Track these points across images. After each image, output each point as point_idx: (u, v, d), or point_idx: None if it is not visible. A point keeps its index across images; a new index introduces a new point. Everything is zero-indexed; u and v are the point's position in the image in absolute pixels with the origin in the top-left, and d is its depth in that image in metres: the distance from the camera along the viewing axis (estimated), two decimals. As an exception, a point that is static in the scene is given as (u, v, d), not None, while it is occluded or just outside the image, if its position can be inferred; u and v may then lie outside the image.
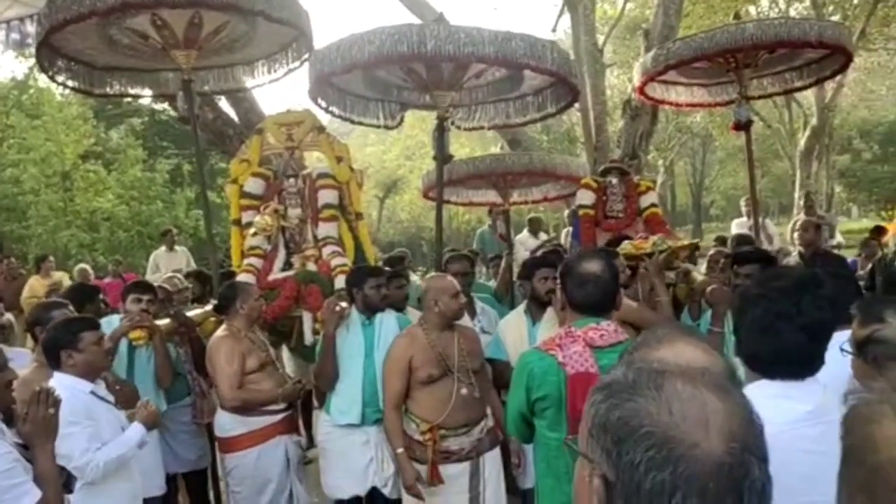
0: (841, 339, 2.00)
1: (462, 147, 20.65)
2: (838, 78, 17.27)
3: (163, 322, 4.62)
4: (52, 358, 3.12)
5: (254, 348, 4.30)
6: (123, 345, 4.32)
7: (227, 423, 4.23)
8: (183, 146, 18.94)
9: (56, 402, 2.47)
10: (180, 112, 5.99)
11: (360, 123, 6.85)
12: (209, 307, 5.24)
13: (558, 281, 2.77)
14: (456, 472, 3.82)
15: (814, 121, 19.01)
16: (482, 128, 7.10)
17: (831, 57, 6.35)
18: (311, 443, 7.03)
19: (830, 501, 1.66)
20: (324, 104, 6.24)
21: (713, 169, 40.36)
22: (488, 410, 3.99)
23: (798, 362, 1.77)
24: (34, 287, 9.60)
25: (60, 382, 2.90)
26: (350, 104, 6.50)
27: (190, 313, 5.04)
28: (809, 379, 1.77)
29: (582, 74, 11.25)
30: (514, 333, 4.24)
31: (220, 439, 4.32)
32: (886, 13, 18.38)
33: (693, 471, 0.80)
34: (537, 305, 4.31)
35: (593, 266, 2.65)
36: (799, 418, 1.69)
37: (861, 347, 1.87)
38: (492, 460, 3.93)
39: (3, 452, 2.29)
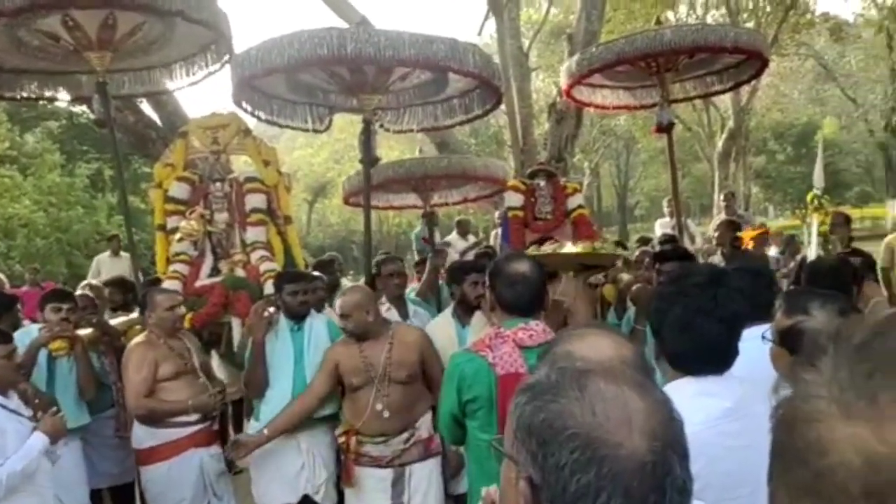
0: (755, 334, 2.08)
1: (391, 150, 20.64)
2: (753, 82, 18.03)
3: (85, 331, 4.48)
4: None
5: (171, 356, 4.15)
6: (43, 356, 4.17)
7: (139, 435, 4.10)
8: (103, 150, 18.31)
9: None
10: (96, 115, 5.78)
11: (288, 127, 6.79)
12: (135, 315, 5.10)
13: (487, 282, 2.80)
14: (377, 477, 3.83)
15: (731, 123, 19.73)
16: (410, 130, 7.13)
17: (747, 62, 6.61)
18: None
19: (758, 494, 1.73)
20: (249, 108, 6.15)
21: (637, 171, 41.40)
22: (422, 421, 3.92)
23: (718, 356, 1.83)
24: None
25: None
26: (277, 108, 6.42)
27: (114, 321, 4.90)
28: (727, 374, 1.83)
29: (508, 78, 11.38)
30: (442, 337, 4.25)
31: (136, 451, 4.17)
32: (797, 20, 19.25)
33: (617, 471, 0.82)
34: (465, 309, 4.34)
35: (522, 266, 2.70)
36: (720, 415, 1.74)
37: (784, 337, 1.94)
38: (420, 471, 3.88)
39: None
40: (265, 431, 3.90)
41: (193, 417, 4.12)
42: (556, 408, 0.87)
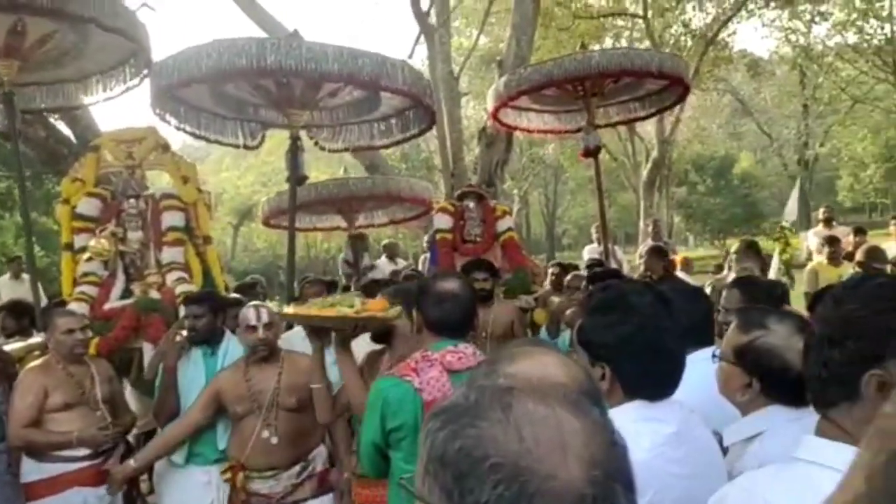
0: (699, 357, 1.98)
1: (319, 171, 20.35)
2: (676, 113, 18.59)
3: (15, 346, 4.13)
4: None
5: (66, 383, 3.79)
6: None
7: (26, 468, 3.75)
8: (12, 167, 17.49)
9: None
10: (0, 127, 5.45)
11: (217, 142, 6.61)
12: (34, 340, 4.74)
13: (415, 310, 2.62)
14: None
15: (655, 153, 20.27)
16: (346, 150, 6.99)
17: (670, 88, 6.74)
18: (151, 489, 6.53)
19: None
20: (173, 121, 5.92)
21: (565, 199, 42.18)
22: (316, 453, 3.64)
23: (674, 377, 1.72)
24: None
25: None
26: (205, 122, 6.23)
27: (8, 347, 4.52)
28: (670, 398, 1.72)
29: (439, 101, 11.36)
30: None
31: (22, 485, 3.79)
32: (716, 55, 19.98)
33: None
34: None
35: (451, 284, 2.55)
36: (664, 441, 1.63)
37: (740, 355, 1.85)
38: None
39: None
40: (131, 462, 3.69)
41: (81, 452, 3.76)
42: (474, 433, 0.72)
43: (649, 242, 8.86)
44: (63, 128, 10.11)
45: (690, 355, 1.85)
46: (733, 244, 8.83)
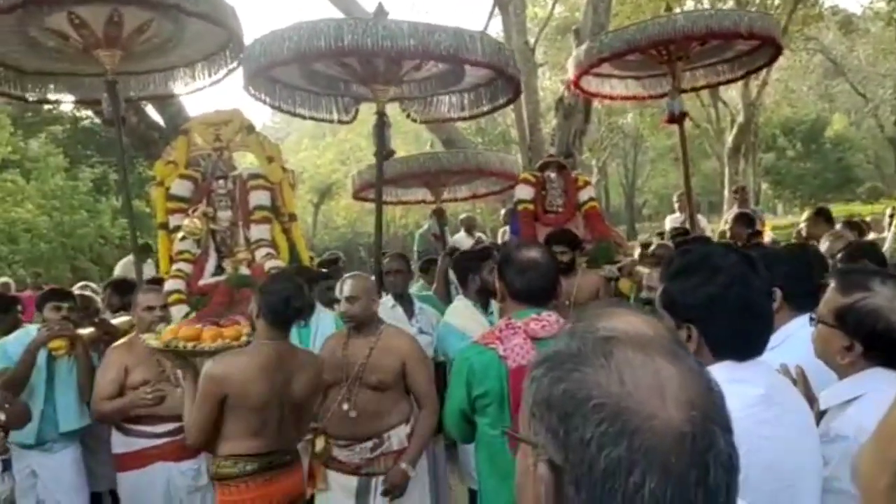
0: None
1: (399, 149, 20.50)
2: (763, 76, 17.87)
3: (85, 331, 4.36)
4: None
5: (146, 361, 3.91)
6: (42, 356, 4.04)
7: (115, 440, 3.95)
8: (107, 154, 18.29)
9: None
10: (106, 115, 5.72)
11: (312, 118, 6.79)
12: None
13: (496, 271, 2.68)
14: (342, 483, 3.59)
15: (740, 118, 19.54)
16: (438, 121, 7.07)
17: (760, 49, 6.48)
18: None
19: (794, 489, 1.59)
20: (269, 100, 6.20)
21: (644, 169, 41.21)
22: (393, 432, 3.61)
23: (764, 337, 1.69)
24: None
25: None
26: (299, 100, 6.45)
27: (115, 321, 4.78)
28: (758, 359, 1.69)
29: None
30: (470, 320, 4.11)
31: (114, 456, 3.99)
32: (806, 13, 19.05)
33: (651, 444, 0.71)
34: (485, 298, 4.23)
35: (534, 253, 2.58)
36: (755, 402, 1.60)
37: (841, 317, 1.80)
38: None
39: None
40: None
41: (164, 428, 3.88)
42: (578, 377, 0.77)
43: (735, 210, 8.59)
44: (153, 113, 10.50)
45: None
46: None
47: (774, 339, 1.77)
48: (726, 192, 17.84)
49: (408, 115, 6.78)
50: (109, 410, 3.87)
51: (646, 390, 0.74)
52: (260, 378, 3.08)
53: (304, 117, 6.72)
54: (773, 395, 1.63)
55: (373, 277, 5.35)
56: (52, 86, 6.37)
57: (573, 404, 0.75)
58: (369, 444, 3.56)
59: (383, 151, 5.77)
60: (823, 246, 4.06)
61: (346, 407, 3.53)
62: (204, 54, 6.29)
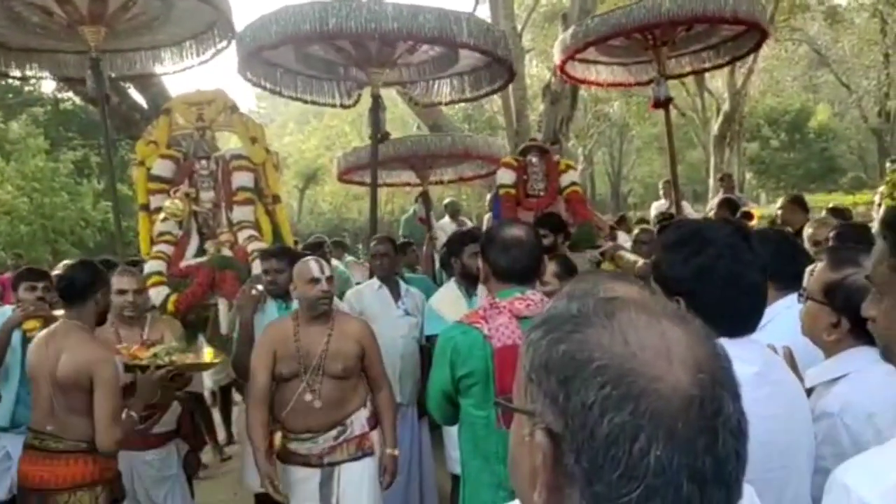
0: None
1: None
2: (749, 64, 17.89)
3: (60, 312, 4.28)
4: None
5: (113, 344, 3.72)
6: (17, 337, 3.97)
7: None
8: (89, 136, 18.07)
9: None
10: (90, 92, 5.62)
11: (315, 103, 6.83)
12: None
13: (480, 252, 2.64)
14: (303, 476, 3.47)
15: (726, 106, 19.59)
16: (440, 103, 7.07)
17: (745, 35, 6.47)
18: (229, 439, 6.77)
19: (787, 469, 1.57)
20: (269, 85, 6.25)
21: (630, 158, 41.28)
22: (354, 417, 3.50)
23: (756, 313, 1.66)
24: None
25: None
26: (301, 85, 6.51)
27: None
28: (748, 338, 1.67)
29: (503, 58, 11.22)
30: (452, 307, 4.07)
31: None
32: (792, 3, 19.08)
33: (657, 408, 0.67)
34: (469, 281, 4.19)
35: (517, 231, 2.55)
36: (749, 380, 1.58)
37: (830, 293, 1.78)
38: (352, 472, 3.46)
39: None
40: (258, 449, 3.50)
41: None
42: (579, 338, 0.72)
43: (721, 195, 8.62)
44: (135, 95, 10.37)
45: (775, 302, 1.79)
46: (810, 201, 8.46)
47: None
48: (711, 181, 17.91)
49: (410, 99, 6.76)
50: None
51: (651, 352, 0.70)
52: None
53: (306, 101, 6.74)
54: (766, 372, 1.60)
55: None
56: (35, 63, 6.27)
57: (574, 367, 0.70)
58: (333, 432, 3.46)
59: (378, 134, 5.74)
60: (807, 232, 4.05)
61: (309, 398, 3.40)
62: (191, 33, 6.21)
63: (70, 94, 18.65)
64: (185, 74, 6.70)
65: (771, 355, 1.69)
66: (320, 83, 6.53)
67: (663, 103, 6.33)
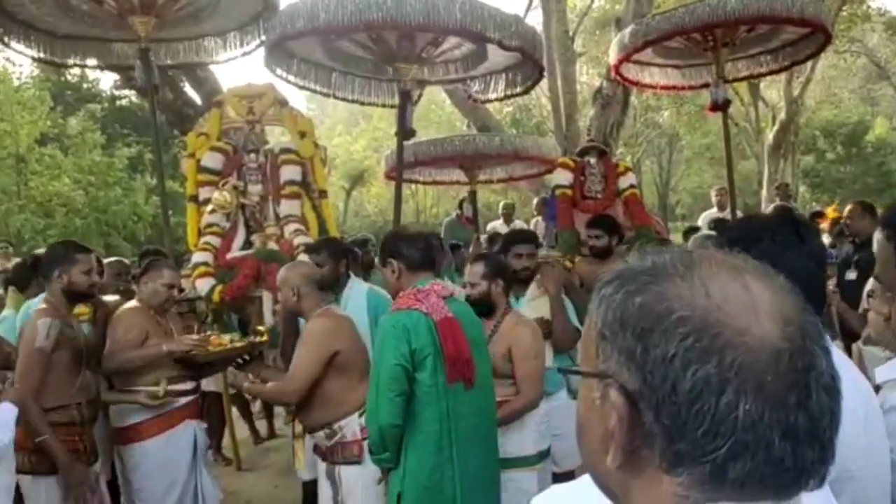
0: None
1: (425, 129, 20.39)
2: (806, 73, 17.43)
3: (111, 298, 4.31)
4: None
5: (157, 332, 3.77)
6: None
7: (127, 410, 3.74)
8: (144, 133, 18.39)
9: None
10: (139, 83, 5.65)
11: (359, 102, 6.82)
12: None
13: (388, 255, 2.97)
14: (322, 469, 3.46)
15: (782, 115, 19.13)
16: (500, 99, 6.92)
17: (808, 39, 6.27)
18: (272, 432, 6.76)
19: (868, 469, 1.46)
20: (318, 88, 6.33)
21: (679, 168, 40.66)
22: (346, 422, 3.35)
23: (812, 297, 1.55)
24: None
25: None
26: (359, 86, 6.58)
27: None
28: None
29: (553, 62, 11.11)
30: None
31: (122, 429, 3.76)
32: (852, 13, 18.59)
33: (745, 360, 0.61)
34: (515, 282, 4.11)
35: (414, 230, 3.03)
36: None
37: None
38: (349, 475, 3.33)
39: None
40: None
41: (188, 386, 3.85)
42: (657, 290, 0.66)
43: (776, 204, 8.37)
44: (190, 91, 10.51)
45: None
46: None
47: None
48: (764, 192, 17.50)
49: (469, 97, 6.69)
50: (138, 356, 3.67)
51: (735, 304, 0.64)
52: None
53: (361, 103, 6.82)
54: (838, 365, 1.50)
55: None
56: (82, 52, 6.31)
57: (652, 318, 0.65)
58: (321, 433, 3.40)
59: (405, 130, 5.67)
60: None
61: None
62: (237, 23, 6.22)
63: (127, 91, 19.07)
64: (240, 70, 6.70)
65: (841, 356, 1.59)
66: (380, 84, 6.52)
67: (721, 106, 6.16)
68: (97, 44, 6.31)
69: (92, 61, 6.59)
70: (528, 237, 4.36)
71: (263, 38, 6.06)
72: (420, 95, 6.71)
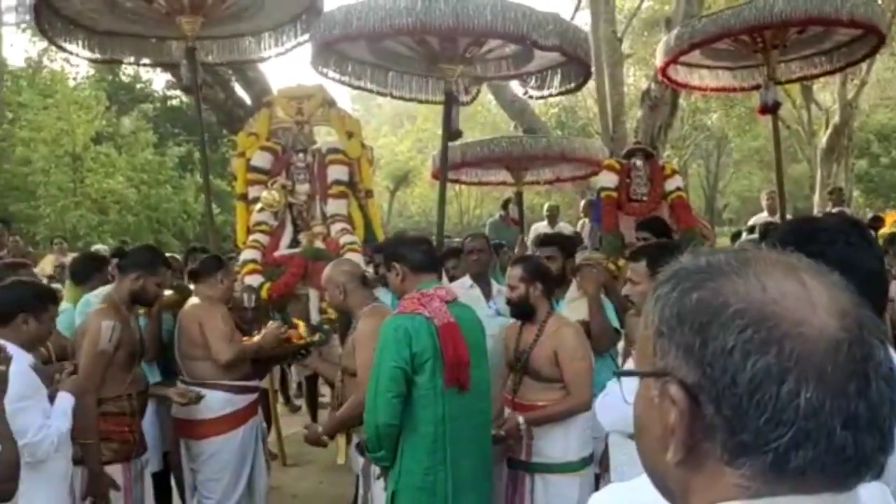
0: None
1: (471, 130, 20.37)
2: (861, 75, 16.97)
3: (166, 292, 4.43)
4: (3, 318, 2.79)
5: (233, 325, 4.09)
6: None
7: (216, 403, 3.86)
8: (194, 133, 18.75)
9: (7, 360, 2.28)
10: (184, 81, 5.73)
11: (416, 100, 6.84)
12: None
13: (391, 259, 3.04)
14: (359, 462, 3.49)
15: (836, 118, 18.68)
16: (552, 94, 6.85)
17: (860, 41, 6.13)
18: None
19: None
20: (377, 88, 6.38)
21: (727, 171, 39.94)
22: None
23: (877, 298, 1.53)
24: (44, 266, 9.45)
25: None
26: (418, 86, 6.60)
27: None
28: None
29: (600, 63, 11.03)
30: None
31: (194, 423, 3.88)
32: (910, 13, 18.03)
33: (804, 350, 0.63)
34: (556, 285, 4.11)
35: (415, 233, 2.90)
36: None
37: None
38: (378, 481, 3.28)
39: None
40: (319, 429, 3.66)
41: (257, 383, 4.12)
42: (713, 286, 0.68)
43: (830, 209, 8.19)
44: (240, 91, 10.71)
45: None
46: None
47: None
48: (816, 197, 17.13)
49: (525, 93, 6.69)
50: (250, 348, 4.00)
51: (792, 298, 0.66)
52: None
53: (419, 101, 6.83)
54: None
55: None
56: (120, 48, 6.28)
57: (710, 312, 0.66)
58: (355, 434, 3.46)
59: (450, 131, 5.67)
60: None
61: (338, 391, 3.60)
62: (276, 24, 6.21)
63: (177, 91, 19.47)
64: (290, 71, 6.75)
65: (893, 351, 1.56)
66: (438, 83, 6.50)
67: (771, 109, 6.04)
68: (140, 41, 6.31)
69: (133, 58, 6.59)
70: (550, 240, 4.37)
71: (306, 36, 6.05)
72: (477, 92, 6.70)
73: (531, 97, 6.97)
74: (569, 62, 5.75)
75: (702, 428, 0.67)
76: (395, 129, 32.49)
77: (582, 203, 9.84)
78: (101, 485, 3.29)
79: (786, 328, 0.64)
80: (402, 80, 6.47)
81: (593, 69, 6.67)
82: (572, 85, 6.29)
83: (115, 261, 4.90)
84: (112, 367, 3.41)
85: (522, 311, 3.38)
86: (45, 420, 2.74)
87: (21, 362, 2.57)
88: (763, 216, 9.12)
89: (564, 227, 9.37)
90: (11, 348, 2.51)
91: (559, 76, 6.15)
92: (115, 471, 3.36)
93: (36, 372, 2.82)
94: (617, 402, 2.32)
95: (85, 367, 3.28)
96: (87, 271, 4.59)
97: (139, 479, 3.57)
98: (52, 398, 2.91)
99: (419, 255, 2.99)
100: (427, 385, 2.81)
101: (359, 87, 6.36)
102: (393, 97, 6.74)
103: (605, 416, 2.63)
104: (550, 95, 6.75)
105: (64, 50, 6.18)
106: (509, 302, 3.39)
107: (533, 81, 6.39)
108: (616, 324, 3.95)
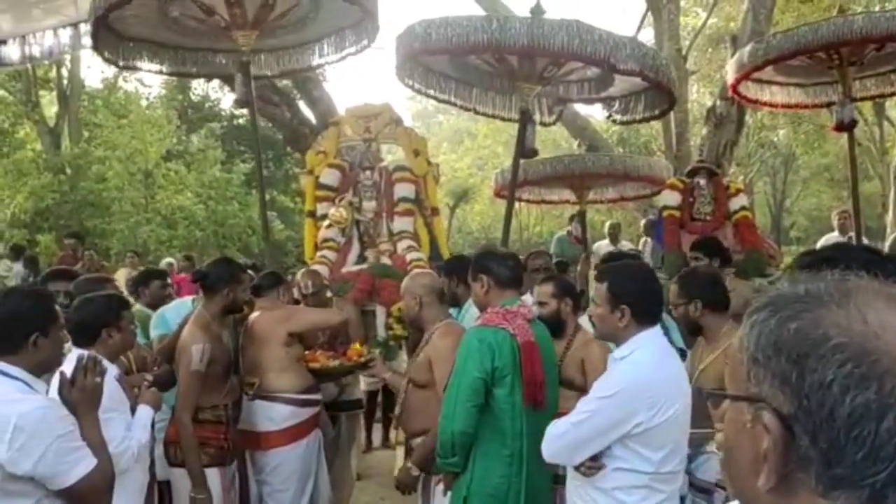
0: None
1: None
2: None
3: None
4: (89, 335, 2.87)
5: None
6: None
7: (280, 414, 3.94)
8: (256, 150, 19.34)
9: (102, 372, 2.36)
10: (238, 95, 5.73)
11: (500, 118, 6.91)
12: None
13: (480, 272, 3.07)
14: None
15: (910, 136, 18.07)
16: (635, 121, 6.84)
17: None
18: (368, 445, 6.82)
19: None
20: (461, 102, 6.47)
21: (795, 189, 38.89)
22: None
23: None
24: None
25: None
26: (500, 101, 6.63)
27: None
28: None
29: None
30: None
31: (260, 435, 3.95)
32: None
33: None
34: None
35: (502, 249, 3.00)
36: None
37: None
38: (440, 491, 3.31)
39: (63, 415, 2.17)
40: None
41: (318, 396, 4.19)
42: (811, 316, 0.68)
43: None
44: (305, 110, 10.94)
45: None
46: None
47: None
48: (890, 216, 16.56)
49: (608, 116, 6.70)
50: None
51: (893, 332, 0.65)
52: None
53: (503, 119, 6.89)
54: None
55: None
56: (173, 60, 6.42)
57: (808, 344, 0.66)
58: (416, 441, 3.45)
59: (525, 149, 5.68)
60: None
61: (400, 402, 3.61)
62: (329, 34, 6.29)
63: (244, 110, 19.98)
64: (352, 90, 6.81)
65: None
66: (507, 97, 6.57)
67: (847, 126, 5.90)
68: (193, 54, 6.43)
69: (176, 68, 6.65)
70: (615, 260, 4.38)
71: (364, 43, 6.19)
72: (561, 113, 6.70)
73: (615, 122, 6.91)
74: (652, 88, 5.74)
75: (795, 458, 0.67)
76: (454, 147, 32.63)
77: (643, 222, 9.73)
78: (202, 499, 3.43)
79: (887, 364, 0.63)
80: (487, 96, 6.52)
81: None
82: (656, 112, 6.26)
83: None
84: (209, 381, 3.55)
85: (554, 326, 3.43)
86: (126, 432, 2.83)
87: (108, 374, 2.66)
88: (834, 235, 8.83)
89: (625, 245, 9.28)
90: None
91: (643, 103, 6.13)
92: (211, 474, 3.50)
93: (119, 383, 2.93)
94: (563, 428, 2.46)
95: (181, 385, 3.51)
96: (142, 281, 4.82)
97: (232, 484, 3.71)
98: (132, 409, 3.01)
99: (506, 270, 3.03)
100: (506, 399, 2.85)
101: (444, 101, 6.45)
102: (476, 112, 6.79)
103: (549, 446, 2.53)
104: (634, 121, 6.71)
105: (128, 68, 6.36)
106: (540, 317, 3.39)
107: (617, 105, 6.37)
108: (681, 344, 3.89)
